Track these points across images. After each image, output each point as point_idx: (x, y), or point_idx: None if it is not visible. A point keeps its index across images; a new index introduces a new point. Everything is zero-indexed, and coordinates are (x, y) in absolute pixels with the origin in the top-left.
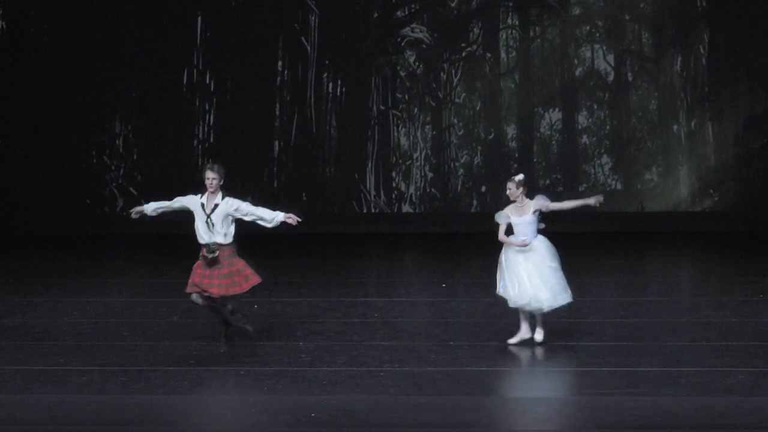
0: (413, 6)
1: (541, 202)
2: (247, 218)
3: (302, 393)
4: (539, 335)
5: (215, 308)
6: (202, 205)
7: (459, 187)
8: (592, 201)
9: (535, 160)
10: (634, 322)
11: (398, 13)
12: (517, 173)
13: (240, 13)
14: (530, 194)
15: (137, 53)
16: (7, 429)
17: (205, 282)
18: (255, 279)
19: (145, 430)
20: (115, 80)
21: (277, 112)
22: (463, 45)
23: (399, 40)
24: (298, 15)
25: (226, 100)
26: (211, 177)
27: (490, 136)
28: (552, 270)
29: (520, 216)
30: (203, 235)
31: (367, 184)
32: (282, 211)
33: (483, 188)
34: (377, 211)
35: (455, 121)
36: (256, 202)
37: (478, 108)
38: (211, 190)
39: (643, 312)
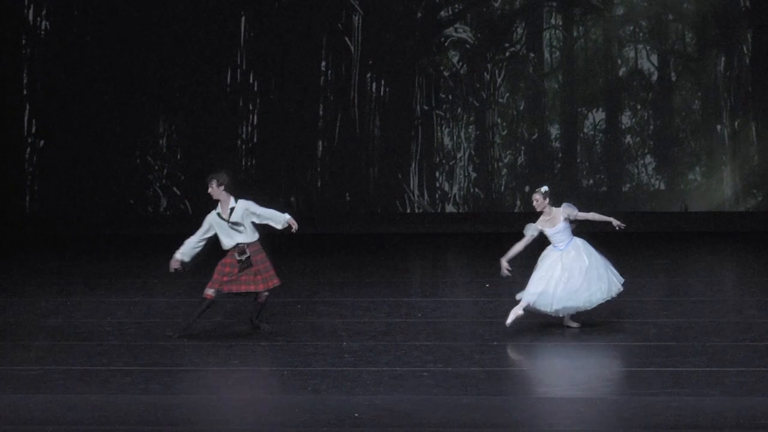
0: (457, 6)
1: (569, 211)
2: (257, 220)
3: (346, 393)
4: (574, 323)
5: (205, 307)
6: (219, 215)
7: (502, 187)
8: (615, 223)
9: (578, 160)
10: (678, 322)
11: (442, 13)
12: (542, 186)
13: (283, 13)
14: (558, 202)
15: (181, 53)
16: (51, 429)
17: (233, 285)
18: (276, 281)
19: (190, 431)
20: (158, 80)
21: (321, 113)
22: (506, 45)
23: (443, 40)
24: (342, 15)
25: (269, 100)
26: (212, 187)
27: (534, 136)
28: (585, 270)
29: (553, 226)
30: (227, 243)
31: (411, 184)
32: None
33: (526, 188)
34: (420, 211)
35: (499, 121)
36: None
37: (521, 108)
38: (216, 198)
39: (687, 312)
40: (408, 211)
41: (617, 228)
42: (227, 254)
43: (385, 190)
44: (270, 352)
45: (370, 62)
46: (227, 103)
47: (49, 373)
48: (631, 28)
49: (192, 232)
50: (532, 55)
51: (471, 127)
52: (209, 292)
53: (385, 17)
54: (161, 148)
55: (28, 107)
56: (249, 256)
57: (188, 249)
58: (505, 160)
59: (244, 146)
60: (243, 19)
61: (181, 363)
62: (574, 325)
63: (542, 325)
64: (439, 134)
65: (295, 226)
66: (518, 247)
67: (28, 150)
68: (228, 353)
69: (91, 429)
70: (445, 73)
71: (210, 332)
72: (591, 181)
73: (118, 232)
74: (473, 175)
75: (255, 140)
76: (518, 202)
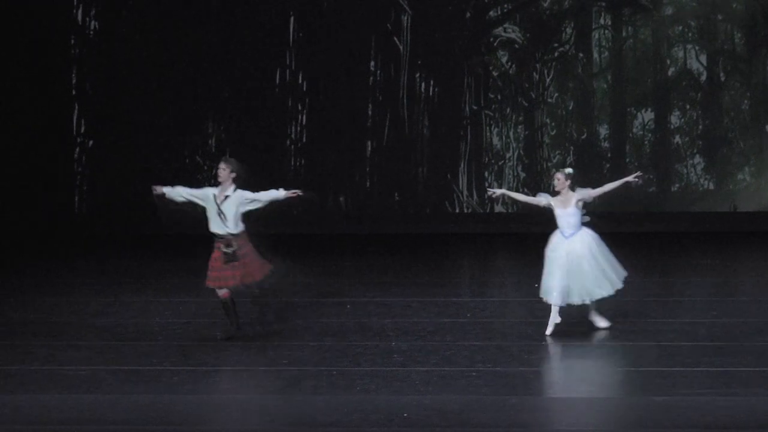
0: (506, 6)
1: (583, 193)
2: (259, 204)
3: (395, 393)
4: (604, 322)
5: (230, 311)
6: (214, 196)
7: (551, 187)
8: (631, 179)
9: (627, 160)
10: (727, 322)
11: (491, 13)
12: (567, 167)
13: (332, 13)
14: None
15: (230, 53)
16: (100, 429)
17: (222, 278)
18: (266, 268)
19: (238, 430)
20: (208, 80)
21: (370, 112)
22: (555, 45)
23: (492, 40)
24: (391, 15)
25: (318, 100)
26: (222, 167)
27: (583, 136)
28: (592, 263)
29: (564, 208)
30: (214, 227)
31: (460, 184)
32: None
33: (575, 189)
34: (469, 211)
35: (548, 121)
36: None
37: (570, 108)
38: (220, 180)
39: (736, 312)
40: (457, 211)
41: (638, 181)
42: (215, 246)
43: (434, 190)
44: (319, 352)
45: (419, 62)
46: (276, 103)
47: (98, 373)
48: (680, 28)
49: None
50: (581, 55)
51: (520, 127)
52: (219, 292)
53: (434, 17)
54: (210, 148)
55: (77, 107)
56: (235, 250)
57: (175, 192)
58: (554, 160)
59: (293, 146)
60: (292, 19)
61: (230, 363)
62: (603, 324)
63: (592, 326)
64: (488, 134)
65: (291, 193)
66: (521, 197)
67: (77, 150)
68: (276, 354)
69: (140, 429)
70: (494, 73)
71: (258, 332)
72: (640, 182)
73: (166, 232)
74: (522, 175)
75: (304, 140)
76: None
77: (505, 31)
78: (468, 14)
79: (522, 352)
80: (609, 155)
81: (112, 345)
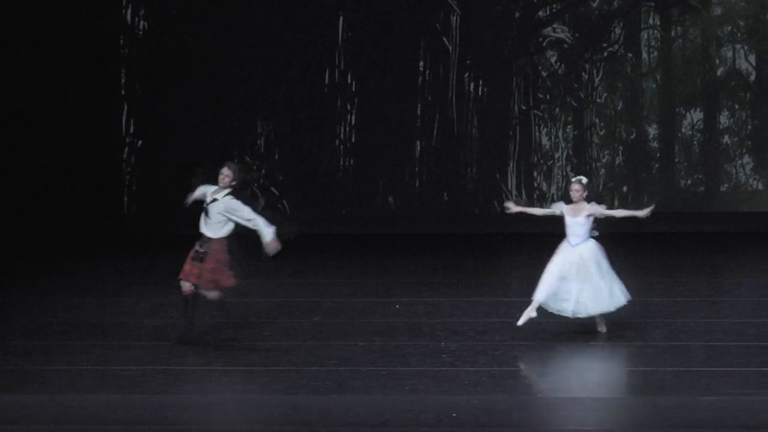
0: (555, 6)
1: (596, 208)
2: (243, 222)
3: (444, 393)
4: (603, 327)
5: (188, 309)
6: (206, 195)
7: (600, 187)
8: (640, 214)
9: (676, 160)
10: None
11: (540, 13)
12: (577, 175)
13: (381, 13)
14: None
15: (279, 53)
16: (149, 429)
17: (188, 272)
18: (229, 281)
19: (286, 430)
20: (256, 80)
21: (419, 112)
22: (604, 45)
23: (540, 40)
24: (440, 15)
25: (367, 100)
26: (225, 173)
27: (632, 136)
28: (593, 277)
29: (574, 216)
30: (202, 225)
31: (509, 183)
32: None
33: (624, 188)
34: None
35: (596, 120)
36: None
37: (619, 108)
38: (221, 185)
39: None
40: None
41: (645, 216)
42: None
43: (482, 190)
44: (368, 352)
45: (468, 62)
46: (325, 102)
47: (148, 373)
48: (729, 27)
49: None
50: (630, 55)
51: (569, 127)
52: (183, 287)
53: (483, 17)
54: (259, 148)
55: (126, 107)
56: (206, 251)
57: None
58: (603, 160)
59: (342, 146)
60: (341, 19)
61: (279, 363)
62: (603, 329)
63: (639, 326)
64: (537, 134)
65: (273, 248)
66: (537, 211)
67: (126, 150)
68: (326, 353)
69: (190, 429)
70: (543, 73)
71: (308, 333)
72: (689, 181)
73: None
74: (571, 175)
75: (353, 140)
76: (616, 203)
77: (554, 31)
78: (517, 14)
79: (572, 353)
80: (658, 155)
81: (162, 345)
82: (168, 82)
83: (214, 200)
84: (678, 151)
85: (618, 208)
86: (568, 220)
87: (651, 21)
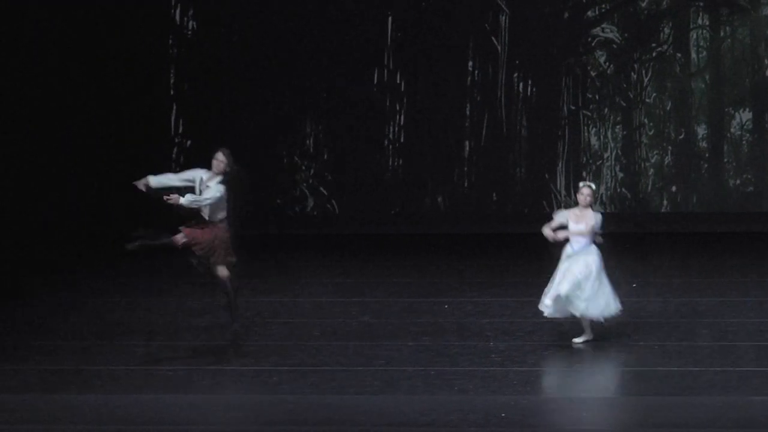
0: (604, 6)
1: (594, 221)
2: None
3: (492, 393)
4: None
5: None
6: (201, 179)
7: (649, 187)
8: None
9: (725, 160)
10: None
11: (589, 13)
12: (591, 182)
13: (430, 13)
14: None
15: (328, 53)
16: (198, 429)
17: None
18: (225, 259)
19: (336, 430)
20: (305, 80)
21: (468, 112)
22: (653, 45)
23: (589, 39)
24: (489, 15)
25: (416, 100)
26: (219, 158)
27: (681, 136)
28: (595, 279)
29: (577, 223)
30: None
31: (558, 184)
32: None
33: (673, 188)
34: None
35: (645, 120)
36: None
37: (668, 108)
38: (215, 170)
39: None
40: (555, 211)
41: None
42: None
43: (531, 190)
44: (416, 352)
45: (517, 62)
46: (374, 102)
47: (197, 373)
48: None
49: (338, 232)
50: (678, 55)
51: (618, 127)
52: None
53: (532, 17)
54: (308, 148)
55: (174, 107)
56: (199, 225)
57: (163, 181)
58: (652, 160)
59: (390, 146)
60: (390, 18)
61: (328, 363)
62: (581, 339)
63: (688, 327)
64: (586, 134)
65: (173, 200)
66: (548, 233)
67: (175, 150)
68: (374, 353)
69: (238, 429)
70: (592, 73)
71: (356, 332)
72: (738, 181)
73: (264, 232)
74: (620, 175)
75: (402, 140)
76: (665, 203)
77: (603, 31)
78: (566, 14)
79: (620, 353)
80: (707, 155)
81: (210, 345)
82: (217, 82)
83: (207, 187)
84: (727, 151)
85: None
86: (571, 226)
87: (700, 21)
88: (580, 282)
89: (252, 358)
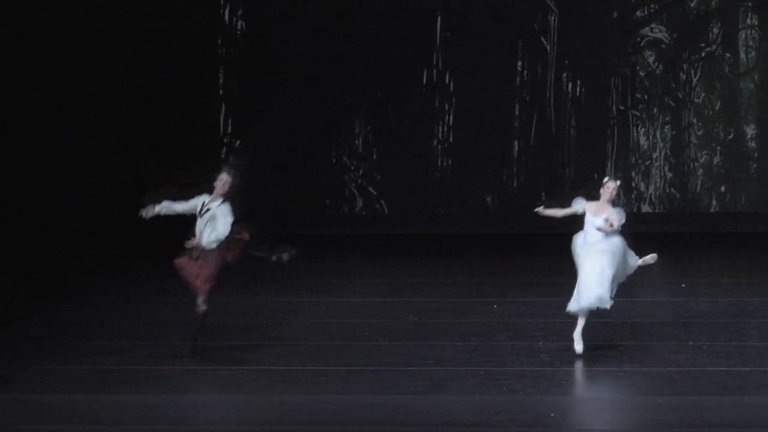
0: (653, 6)
1: (616, 216)
2: (218, 230)
3: (542, 393)
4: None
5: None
6: (203, 204)
7: (698, 187)
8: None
9: None
10: None
11: (638, 13)
12: (610, 176)
13: (479, 14)
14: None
15: (377, 53)
16: (246, 429)
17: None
18: (206, 285)
19: (385, 430)
20: (355, 80)
21: (517, 112)
22: (702, 45)
23: (638, 40)
24: (538, 15)
25: (465, 100)
26: (224, 179)
27: (730, 136)
28: (608, 270)
29: (595, 216)
30: (197, 233)
31: None
32: None
33: (722, 188)
34: None
35: (694, 121)
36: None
37: (717, 108)
38: (219, 192)
39: None
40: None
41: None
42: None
43: (580, 190)
44: (465, 352)
45: (566, 62)
46: (423, 103)
47: (243, 374)
48: None
49: (387, 232)
50: (727, 55)
51: (667, 127)
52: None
53: (581, 17)
54: (357, 148)
55: (224, 107)
56: (199, 256)
57: (168, 209)
58: (701, 160)
59: (439, 146)
60: (439, 19)
61: (376, 363)
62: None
63: (738, 326)
64: (635, 134)
65: (197, 243)
66: (557, 212)
67: (224, 150)
68: (423, 354)
69: (287, 429)
70: (641, 73)
71: (405, 332)
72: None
73: (313, 232)
74: (669, 175)
75: (451, 140)
76: (714, 202)
77: (651, 31)
78: (615, 14)
79: (669, 353)
80: (756, 155)
81: (257, 345)
82: (266, 82)
83: (207, 210)
84: None
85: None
86: (589, 218)
87: (749, 21)
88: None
89: (300, 358)
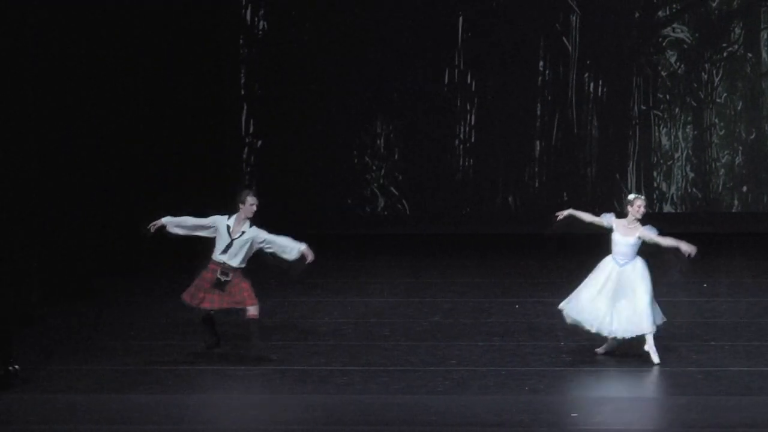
0: (675, 6)
1: (647, 233)
2: (268, 248)
3: (563, 393)
4: (602, 349)
5: (208, 320)
6: (228, 227)
7: (720, 187)
8: (684, 247)
9: None
10: None
11: (659, 12)
12: (637, 194)
13: (501, 13)
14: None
15: (398, 52)
16: (267, 428)
17: (206, 299)
18: (251, 302)
19: (406, 430)
20: (376, 80)
21: (539, 112)
22: (724, 45)
23: (660, 39)
24: (560, 15)
25: (487, 99)
26: (252, 202)
27: (752, 136)
28: (632, 299)
29: (624, 236)
30: (219, 255)
31: (628, 184)
32: None
33: (744, 188)
34: None
35: (716, 121)
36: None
37: (739, 108)
38: (246, 215)
39: None
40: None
41: (688, 253)
42: (209, 267)
43: (602, 189)
44: (488, 352)
45: (588, 62)
46: (445, 102)
47: (267, 373)
48: None
49: (409, 232)
50: (749, 55)
51: (688, 127)
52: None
53: (603, 17)
54: (379, 148)
55: (245, 107)
56: (228, 281)
57: (179, 225)
58: (723, 161)
59: (461, 146)
60: (461, 18)
61: (399, 363)
62: (601, 350)
63: (760, 326)
64: (657, 134)
65: (310, 257)
66: (586, 217)
67: (246, 150)
68: (445, 354)
69: (309, 428)
70: (663, 73)
71: (427, 332)
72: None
73: (335, 232)
74: (691, 175)
75: (473, 140)
76: (736, 203)
77: (673, 31)
78: (636, 14)
79: (690, 352)
80: None
81: (281, 345)
82: (287, 82)
83: (242, 234)
84: None
85: (671, 236)
86: (618, 238)
87: None
88: (627, 297)
89: (322, 358)
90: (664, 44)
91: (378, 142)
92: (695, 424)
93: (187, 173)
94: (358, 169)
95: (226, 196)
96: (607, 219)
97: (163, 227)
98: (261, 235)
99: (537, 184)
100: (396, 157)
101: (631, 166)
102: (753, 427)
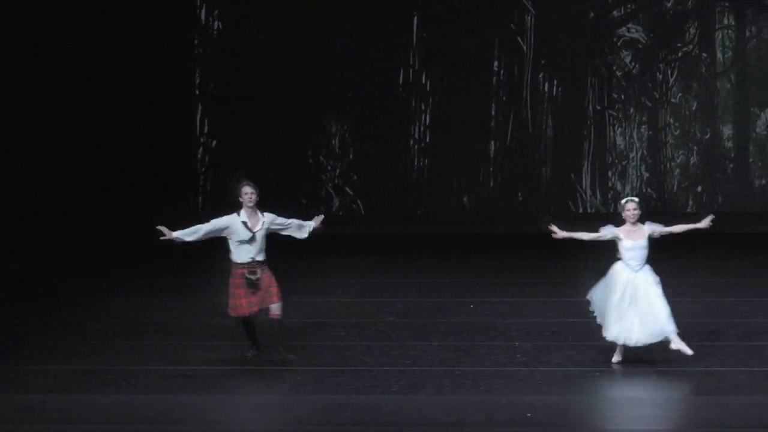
0: (629, 6)
1: (655, 227)
2: (283, 231)
3: (518, 393)
4: (617, 356)
5: (249, 324)
6: (245, 223)
7: (675, 187)
8: (701, 225)
9: (751, 160)
10: None
11: (614, 13)
12: (629, 195)
13: (456, 14)
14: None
15: (353, 53)
16: (222, 428)
17: (247, 305)
18: (278, 297)
19: (361, 430)
20: (330, 80)
21: (493, 112)
22: (679, 45)
23: (615, 40)
24: (515, 15)
25: (441, 99)
26: (251, 191)
27: (706, 136)
28: (651, 303)
29: (634, 240)
30: (243, 255)
31: (583, 183)
32: None
33: (699, 188)
34: (593, 210)
35: (671, 120)
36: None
37: (694, 108)
38: (250, 205)
39: None
40: (580, 210)
41: (707, 226)
42: (235, 273)
43: (557, 189)
44: (442, 352)
45: (543, 62)
46: (399, 102)
47: (221, 373)
48: None
49: (364, 232)
50: (704, 55)
51: (643, 126)
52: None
53: (558, 17)
54: (334, 148)
55: (200, 107)
56: (259, 278)
57: (189, 235)
58: (678, 160)
59: (416, 146)
60: (415, 18)
61: (353, 363)
62: (616, 359)
63: (714, 326)
64: (612, 134)
65: (317, 223)
66: (585, 236)
67: (201, 150)
68: (399, 353)
69: (262, 428)
70: (618, 73)
71: (382, 333)
72: (763, 181)
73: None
74: (645, 175)
75: (427, 140)
76: (690, 202)
77: (628, 31)
78: (591, 14)
79: (646, 353)
80: (732, 155)
81: (230, 345)
82: (242, 82)
83: (261, 224)
84: (753, 152)
85: (680, 220)
86: (628, 244)
87: (725, 21)
88: (646, 306)
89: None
90: (619, 44)
91: (333, 142)
92: (642, 423)
93: (142, 173)
94: (313, 169)
95: (181, 195)
96: (609, 231)
97: (171, 240)
98: (277, 219)
99: (492, 184)
100: (351, 157)
101: (586, 165)
102: (757, 428)
